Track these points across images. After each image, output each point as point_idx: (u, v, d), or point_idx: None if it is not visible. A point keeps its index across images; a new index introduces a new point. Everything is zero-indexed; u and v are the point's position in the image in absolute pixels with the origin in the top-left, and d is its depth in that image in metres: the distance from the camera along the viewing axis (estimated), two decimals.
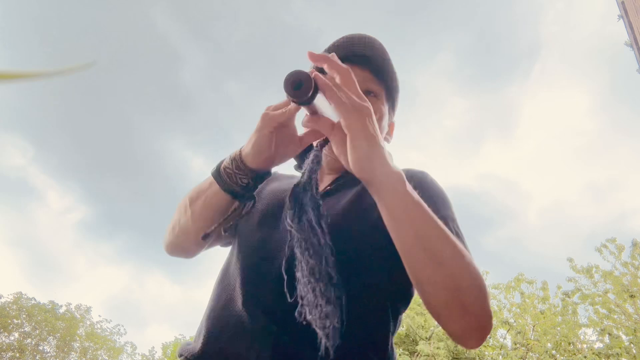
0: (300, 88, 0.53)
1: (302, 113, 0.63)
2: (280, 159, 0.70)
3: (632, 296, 10.86)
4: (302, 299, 0.55)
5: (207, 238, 0.72)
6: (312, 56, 0.60)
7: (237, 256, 0.80)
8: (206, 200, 0.75)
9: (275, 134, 0.66)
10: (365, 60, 0.89)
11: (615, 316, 11.20)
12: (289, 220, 0.58)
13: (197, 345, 0.73)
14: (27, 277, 33.79)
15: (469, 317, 0.61)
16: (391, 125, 1.00)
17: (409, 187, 0.60)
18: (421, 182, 0.83)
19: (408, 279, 0.65)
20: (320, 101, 0.58)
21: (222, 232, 0.72)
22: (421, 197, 0.70)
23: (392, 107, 0.96)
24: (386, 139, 0.97)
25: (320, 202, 0.60)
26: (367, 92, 0.87)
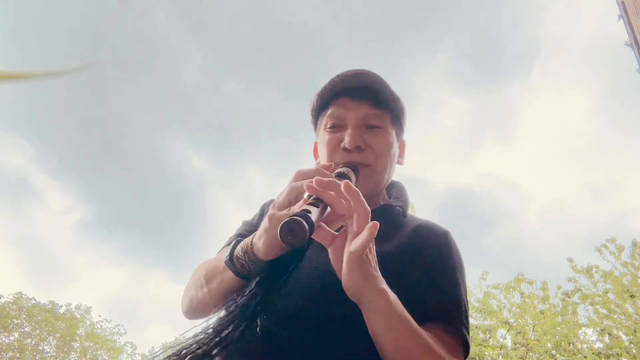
0: (295, 236, 0.58)
1: None
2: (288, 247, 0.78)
3: (632, 296, 10.86)
4: None
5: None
6: (347, 188, 0.65)
7: None
8: (221, 283, 0.80)
9: None
10: (363, 92, 0.92)
11: (615, 316, 11.20)
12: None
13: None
14: (27, 277, 33.80)
15: None
16: (402, 145, 1.04)
17: (393, 302, 0.67)
18: (440, 249, 0.89)
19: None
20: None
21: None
22: (436, 263, 0.85)
23: (399, 129, 1.00)
24: (399, 162, 1.02)
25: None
26: (370, 127, 0.92)
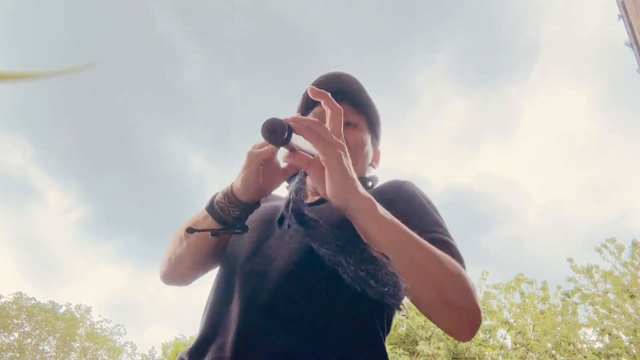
0: (275, 133, 0.62)
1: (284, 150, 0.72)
2: (268, 190, 0.78)
3: (632, 296, 10.87)
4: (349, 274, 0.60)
5: (192, 232, 0.78)
6: (313, 91, 0.69)
7: (232, 261, 0.84)
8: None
9: (262, 169, 0.74)
10: (342, 94, 0.96)
11: (615, 316, 11.20)
12: (287, 222, 0.68)
13: (194, 346, 0.76)
14: (27, 277, 33.82)
15: (456, 314, 0.67)
16: (377, 153, 1.07)
17: (380, 209, 0.67)
18: (405, 191, 0.89)
19: None
20: (299, 140, 0.66)
21: (211, 236, 0.78)
22: (404, 205, 0.84)
23: (375, 137, 1.04)
24: (372, 165, 1.04)
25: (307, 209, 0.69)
26: (347, 124, 0.94)
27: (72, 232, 36.38)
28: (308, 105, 1.01)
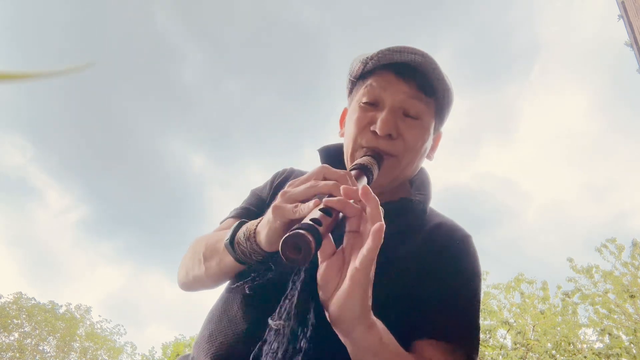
0: (299, 253, 0.50)
1: None
2: None
3: (632, 296, 10.86)
4: None
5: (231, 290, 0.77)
6: (364, 193, 0.56)
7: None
8: (220, 263, 0.76)
9: (288, 224, 0.63)
10: (412, 71, 0.82)
11: (615, 316, 11.19)
12: (277, 311, 0.60)
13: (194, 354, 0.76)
14: (27, 277, 33.81)
15: None
16: (437, 137, 0.95)
17: (386, 340, 0.60)
18: (456, 246, 0.82)
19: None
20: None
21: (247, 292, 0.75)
22: (454, 262, 0.78)
23: (440, 121, 0.91)
24: (429, 157, 0.94)
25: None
26: (408, 115, 0.83)
27: (72, 232, 36.40)
28: (365, 72, 0.87)
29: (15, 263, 33.68)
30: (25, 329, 19.33)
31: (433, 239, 0.82)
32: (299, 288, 0.60)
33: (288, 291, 0.61)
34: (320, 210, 0.55)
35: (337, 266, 0.56)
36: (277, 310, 0.60)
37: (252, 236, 0.68)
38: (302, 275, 0.61)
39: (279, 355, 0.56)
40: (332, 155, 0.95)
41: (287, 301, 0.60)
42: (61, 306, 20.43)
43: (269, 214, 0.63)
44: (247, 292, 0.73)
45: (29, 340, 19.20)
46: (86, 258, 36.17)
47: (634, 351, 10.56)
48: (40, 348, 19.43)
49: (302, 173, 0.99)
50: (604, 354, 10.82)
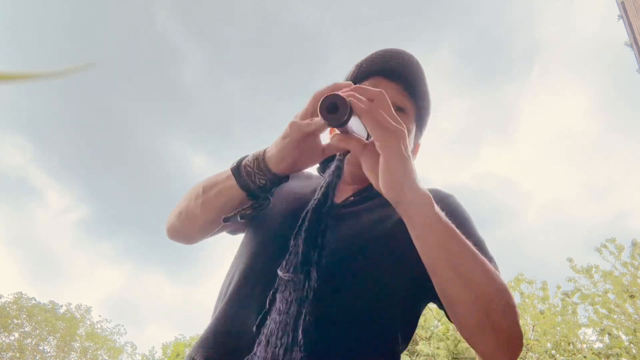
0: (337, 112, 0.55)
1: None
2: (302, 166, 0.71)
3: (632, 296, 10.86)
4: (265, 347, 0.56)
5: (227, 221, 0.72)
6: (339, 86, 0.61)
7: (247, 253, 0.80)
8: (220, 191, 0.74)
9: (300, 142, 0.66)
10: (398, 75, 0.89)
11: (615, 316, 11.19)
12: (282, 266, 0.61)
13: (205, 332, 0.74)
14: (27, 277, 33.82)
15: (500, 338, 0.62)
16: (417, 146, 0.99)
17: (437, 209, 0.60)
18: (449, 205, 0.83)
19: (415, 304, 0.73)
20: (351, 121, 0.59)
21: (239, 219, 0.72)
22: (449, 218, 0.76)
23: (419, 128, 0.96)
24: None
25: (326, 238, 0.62)
26: (397, 109, 0.86)
27: (72, 232, 36.41)
28: (360, 76, 0.93)
29: (15, 263, 33.72)
30: (26, 329, 19.34)
31: None
32: (301, 244, 0.61)
33: (291, 247, 0.62)
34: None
35: (374, 154, 0.59)
36: (284, 263, 0.61)
37: (262, 155, 0.69)
38: (304, 234, 0.62)
39: (292, 299, 0.58)
40: (330, 158, 0.98)
41: (291, 256, 0.61)
42: (61, 306, 20.45)
43: (284, 131, 0.66)
44: (240, 218, 0.71)
45: (29, 340, 19.21)
46: (86, 258, 36.22)
47: (634, 351, 10.56)
48: (41, 348, 19.44)
49: (305, 175, 1.01)
50: (603, 353, 10.83)
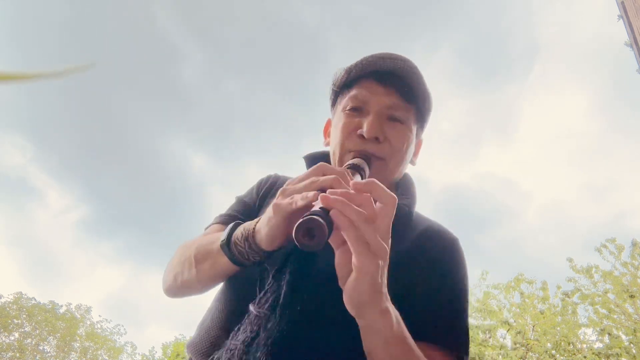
0: (313, 239, 0.50)
1: None
2: (292, 237, 0.68)
3: (632, 296, 10.86)
4: None
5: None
6: (356, 186, 0.57)
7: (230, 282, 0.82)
8: (215, 265, 0.74)
9: (288, 218, 0.63)
10: (394, 79, 0.85)
11: (615, 316, 11.20)
12: (256, 303, 0.62)
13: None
14: (27, 277, 33.82)
15: None
16: (419, 143, 0.97)
17: (396, 328, 0.60)
18: (447, 251, 0.85)
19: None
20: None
21: None
22: (440, 264, 0.81)
23: (421, 127, 0.94)
24: (412, 162, 0.95)
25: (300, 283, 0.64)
26: (393, 119, 0.85)
27: (72, 232, 36.42)
28: (349, 82, 0.90)
29: (15, 263, 33.73)
30: (26, 328, 19.34)
31: (421, 244, 0.84)
32: (284, 282, 0.62)
33: (269, 284, 0.63)
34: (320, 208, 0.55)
35: (350, 254, 0.56)
36: (258, 299, 0.62)
37: (252, 235, 0.67)
38: (287, 274, 0.63)
39: (249, 338, 0.59)
40: (318, 161, 0.94)
41: (268, 293, 0.62)
42: (61, 306, 20.45)
43: (269, 212, 0.63)
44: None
45: (29, 340, 19.21)
46: (86, 258, 36.23)
47: (634, 351, 10.56)
48: (41, 348, 19.44)
49: (286, 179, 0.99)
50: (603, 353, 10.83)
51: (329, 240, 0.56)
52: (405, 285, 0.75)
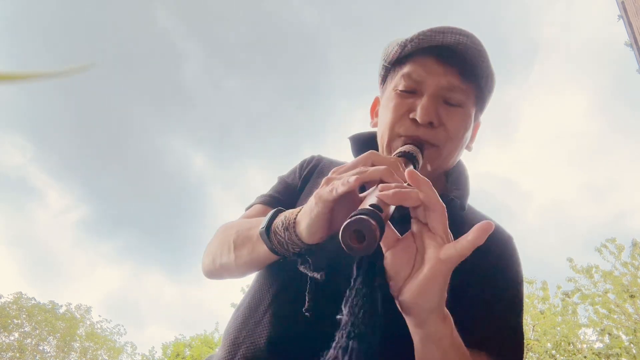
0: (363, 241, 0.44)
1: None
2: (337, 229, 0.62)
3: (632, 296, 10.86)
4: None
5: None
6: (413, 178, 0.52)
7: (270, 279, 0.78)
8: (253, 253, 0.71)
9: (333, 208, 0.57)
10: (455, 55, 0.76)
11: (615, 316, 11.20)
12: (343, 306, 0.52)
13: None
14: (27, 277, 33.83)
15: None
16: (477, 126, 0.89)
17: (455, 336, 0.56)
18: (502, 249, 0.79)
19: None
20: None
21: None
22: (493, 261, 0.74)
23: (480, 109, 0.86)
24: (468, 147, 0.88)
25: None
26: (450, 102, 0.77)
27: (72, 232, 36.41)
28: (402, 57, 0.81)
29: (15, 263, 33.71)
30: (26, 329, 19.34)
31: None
32: (360, 281, 0.52)
33: (353, 283, 0.54)
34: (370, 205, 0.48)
35: (407, 254, 0.51)
36: (344, 303, 0.52)
37: (292, 226, 0.62)
38: (361, 270, 0.53)
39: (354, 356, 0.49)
40: (365, 144, 0.88)
41: (353, 293, 0.52)
42: (61, 306, 20.46)
43: (310, 202, 0.58)
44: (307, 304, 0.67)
45: (29, 340, 19.22)
46: (86, 258, 36.22)
47: (634, 351, 10.56)
48: (41, 348, 19.44)
49: (330, 161, 0.95)
50: (603, 353, 10.83)
51: (381, 243, 0.51)
52: (457, 287, 0.68)
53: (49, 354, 19.55)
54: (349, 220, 0.44)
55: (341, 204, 0.58)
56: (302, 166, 0.97)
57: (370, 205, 0.47)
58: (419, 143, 0.75)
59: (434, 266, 0.49)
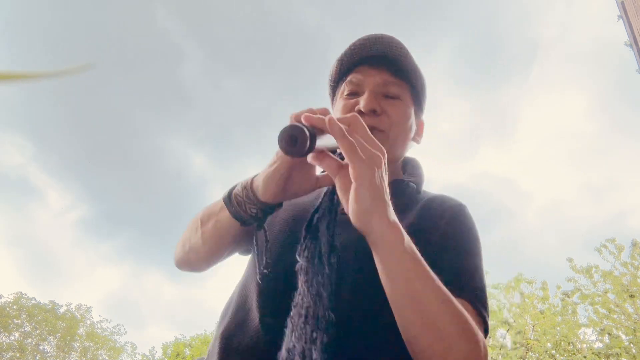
0: (296, 144, 0.52)
1: None
2: (291, 195, 0.69)
3: (631, 296, 10.87)
4: (290, 339, 0.56)
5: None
6: (308, 118, 0.56)
7: (253, 271, 0.79)
8: (217, 223, 0.75)
9: (290, 171, 0.65)
10: (384, 60, 0.87)
11: (615, 316, 11.20)
12: (299, 252, 0.62)
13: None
14: (27, 277, 33.83)
15: None
16: (420, 124, 0.98)
17: (408, 243, 0.59)
18: (455, 216, 0.83)
19: None
20: (327, 139, 0.56)
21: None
22: (449, 234, 0.79)
23: (419, 107, 0.95)
24: (415, 140, 0.96)
25: (336, 232, 0.64)
26: (388, 95, 0.87)
27: (72, 232, 36.41)
28: (343, 71, 0.92)
29: (15, 263, 33.73)
30: (26, 328, 19.35)
31: (427, 209, 0.84)
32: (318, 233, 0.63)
33: (303, 236, 0.64)
34: None
35: (348, 177, 0.57)
36: (300, 248, 0.63)
37: (250, 183, 0.69)
38: (316, 224, 0.64)
39: (312, 283, 0.59)
40: None
41: (307, 240, 0.63)
42: (61, 306, 20.47)
43: (271, 159, 0.65)
44: (259, 279, 0.71)
45: (29, 340, 19.23)
46: (86, 258, 36.22)
47: (634, 351, 10.57)
48: (41, 348, 19.45)
49: None
50: (603, 353, 10.84)
51: (326, 169, 0.60)
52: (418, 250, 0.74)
53: (49, 354, 19.56)
54: (284, 128, 0.53)
55: (299, 171, 0.67)
56: None
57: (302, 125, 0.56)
58: None
59: (360, 169, 0.55)
